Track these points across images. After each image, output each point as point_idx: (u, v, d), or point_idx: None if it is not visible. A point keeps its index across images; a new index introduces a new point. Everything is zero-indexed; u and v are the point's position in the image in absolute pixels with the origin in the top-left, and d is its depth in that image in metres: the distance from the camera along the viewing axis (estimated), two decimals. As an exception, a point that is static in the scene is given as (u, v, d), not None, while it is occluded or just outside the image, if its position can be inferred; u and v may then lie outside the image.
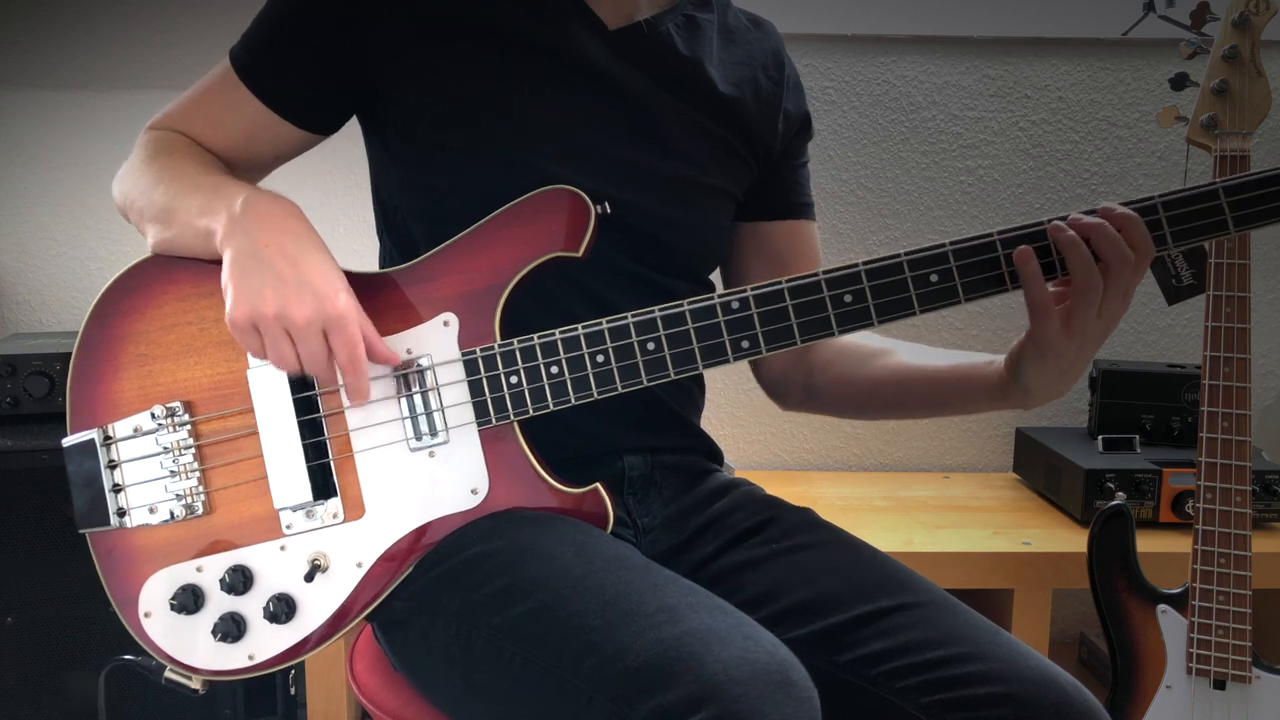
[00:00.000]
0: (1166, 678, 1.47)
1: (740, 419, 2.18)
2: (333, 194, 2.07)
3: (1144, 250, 0.95)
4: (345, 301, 0.95)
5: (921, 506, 1.93)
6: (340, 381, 0.98)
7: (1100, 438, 1.89)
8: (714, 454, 1.25)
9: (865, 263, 0.98)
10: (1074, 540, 1.73)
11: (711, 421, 1.26)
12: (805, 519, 1.15)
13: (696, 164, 1.14)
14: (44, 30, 2.04)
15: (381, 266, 1.19)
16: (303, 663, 1.69)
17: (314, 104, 1.11)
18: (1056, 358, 0.99)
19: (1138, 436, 1.88)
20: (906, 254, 0.98)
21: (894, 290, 0.98)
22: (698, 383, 1.24)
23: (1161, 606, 1.47)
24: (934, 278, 0.98)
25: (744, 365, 1.01)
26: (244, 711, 1.77)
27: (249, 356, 1.01)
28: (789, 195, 1.26)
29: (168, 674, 1.02)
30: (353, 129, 1.16)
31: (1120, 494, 1.74)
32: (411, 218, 1.12)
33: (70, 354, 1.04)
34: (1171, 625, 1.47)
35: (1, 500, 1.69)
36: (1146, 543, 1.54)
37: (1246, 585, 1.41)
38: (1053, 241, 0.96)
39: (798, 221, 1.26)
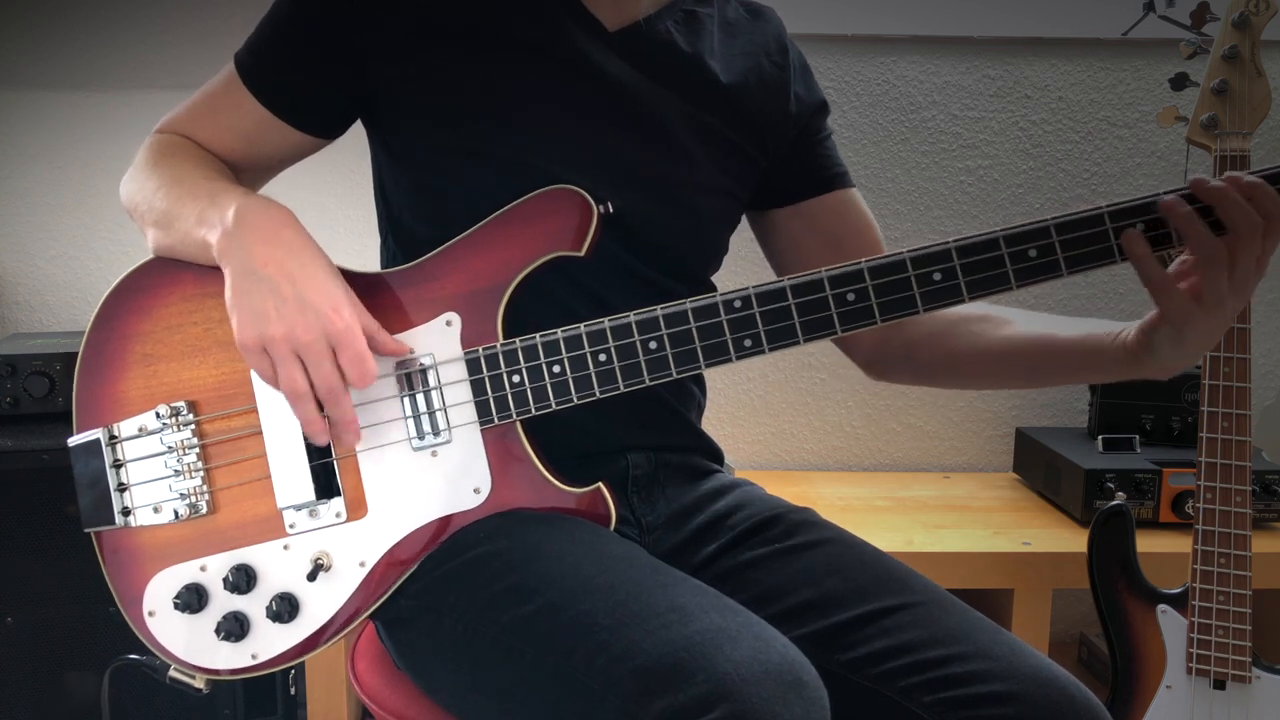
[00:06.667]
0: (1166, 678, 1.47)
1: (740, 419, 2.18)
2: (333, 194, 2.07)
3: (1276, 214, 0.91)
4: (348, 315, 0.95)
5: (921, 506, 1.93)
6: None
7: (1100, 438, 1.89)
8: (715, 454, 1.25)
9: (868, 260, 0.98)
10: (1074, 540, 1.73)
11: (711, 421, 1.26)
12: (806, 519, 1.15)
13: (698, 164, 1.14)
14: (44, 30, 2.04)
15: (384, 266, 1.19)
16: (303, 663, 1.69)
17: (315, 108, 1.11)
18: (1195, 332, 0.96)
19: (1138, 436, 1.88)
20: (910, 251, 0.97)
21: (897, 289, 0.98)
22: (698, 383, 1.24)
23: (1161, 606, 1.47)
24: (937, 275, 0.97)
25: (745, 365, 0.99)
26: (244, 711, 1.77)
27: None
28: (822, 169, 1.23)
29: (171, 673, 1.03)
30: (352, 129, 1.16)
31: (1120, 494, 1.74)
32: (414, 218, 1.12)
33: (70, 354, 1.05)
34: (1171, 625, 1.47)
35: (1, 500, 1.69)
36: (1146, 543, 1.55)
37: (1246, 585, 1.41)
38: (1167, 217, 0.92)
39: (840, 192, 1.23)
